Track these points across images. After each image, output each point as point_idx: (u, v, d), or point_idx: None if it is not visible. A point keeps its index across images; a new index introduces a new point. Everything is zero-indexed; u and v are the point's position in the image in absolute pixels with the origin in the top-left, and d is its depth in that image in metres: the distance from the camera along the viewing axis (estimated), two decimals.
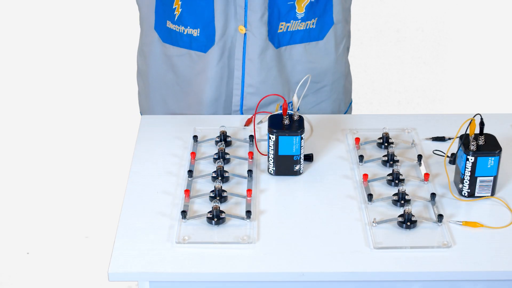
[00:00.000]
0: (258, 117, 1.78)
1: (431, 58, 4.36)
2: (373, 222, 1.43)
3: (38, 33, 4.61)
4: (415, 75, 4.19)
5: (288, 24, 1.76)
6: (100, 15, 4.79)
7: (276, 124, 1.55)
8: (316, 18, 1.78)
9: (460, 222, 1.44)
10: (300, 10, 1.75)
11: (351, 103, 2.01)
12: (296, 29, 1.77)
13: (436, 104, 3.89)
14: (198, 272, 1.34)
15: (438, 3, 5.01)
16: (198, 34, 1.76)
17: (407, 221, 1.43)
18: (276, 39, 1.77)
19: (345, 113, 1.97)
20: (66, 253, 2.84)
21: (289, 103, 1.81)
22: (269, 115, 1.59)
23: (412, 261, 1.36)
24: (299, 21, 1.76)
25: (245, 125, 1.77)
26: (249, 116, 1.79)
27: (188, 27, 1.76)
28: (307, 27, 1.78)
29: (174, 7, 1.76)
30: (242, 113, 1.82)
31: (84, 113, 3.77)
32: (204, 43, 1.77)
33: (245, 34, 1.74)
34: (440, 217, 1.44)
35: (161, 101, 1.89)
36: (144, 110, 1.96)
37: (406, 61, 4.34)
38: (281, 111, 1.56)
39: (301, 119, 1.56)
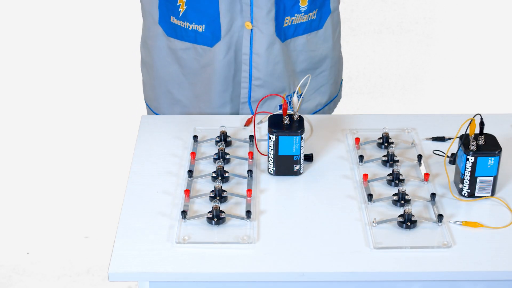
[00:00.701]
0: (258, 117, 1.78)
1: (431, 58, 4.36)
2: (373, 222, 1.43)
3: (37, 31, 4.61)
4: (415, 75, 4.18)
5: (292, 18, 1.78)
6: (100, 11, 4.79)
7: (276, 124, 1.55)
8: (316, 9, 1.82)
9: (460, 222, 1.44)
10: (304, 4, 1.78)
11: (341, 82, 2.06)
12: (299, 22, 1.80)
13: (436, 104, 3.89)
14: (198, 272, 1.34)
15: (438, 2, 5.01)
16: (204, 30, 1.77)
17: (407, 221, 1.43)
18: (283, 33, 1.79)
19: (338, 92, 2.02)
20: (66, 253, 2.84)
21: (294, 92, 1.83)
22: (269, 115, 1.59)
23: (412, 261, 1.36)
24: (302, 14, 1.79)
25: (245, 125, 1.77)
26: (249, 116, 1.79)
27: (193, 23, 1.77)
28: (309, 19, 1.81)
29: (178, 4, 1.77)
30: (250, 105, 1.84)
31: (84, 114, 3.77)
32: (210, 38, 1.78)
33: (251, 30, 1.75)
34: (440, 217, 1.44)
35: (167, 92, 1.90)
36: (150, 99, 1.97)
37: (406, 60, 4.34)
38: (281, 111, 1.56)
39: (301, 119, 1.56)
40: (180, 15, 1.78)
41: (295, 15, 1.78)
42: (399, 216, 1.44)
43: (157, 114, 1.94)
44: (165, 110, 1.92)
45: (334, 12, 1.88)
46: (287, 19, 1.78)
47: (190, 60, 1.83)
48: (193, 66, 1.83)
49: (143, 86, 2.01)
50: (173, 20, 1.80)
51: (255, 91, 1.82)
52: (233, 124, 1.77)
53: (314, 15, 1.82)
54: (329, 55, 1.91)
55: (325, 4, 1.83)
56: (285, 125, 1.55)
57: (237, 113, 1.86)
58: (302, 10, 1.79)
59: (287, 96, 1.85)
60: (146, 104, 2.00)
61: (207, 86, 1.83)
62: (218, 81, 1.81)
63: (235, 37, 1.77)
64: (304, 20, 1.81)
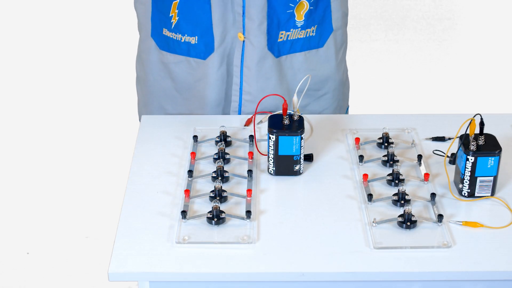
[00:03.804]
0: (258, 117, 1.78)
1: (431, 58, 4.36)
2: (373, 222, 1.43)
3: (40, 36, 4.61)
4: (415, 75, 4.19)
5: (288, 33, 1.74)
6: (102, 20, 4.80)
7: (276, 124, 1.55)
8: (315, 26, 1.77)
9: (460, 222, 1.44)
10: (300, 18, 1.74)
11: (347, 108, 2.01)
12: (296, 37, 1.76)
13: (436, 104, 3.89)
14: (198, 272, 1.34)
15: (438, 3, 5.01)
16: (196, 42, 1.74)
17: (407, 221, 1.43)
18: (276, 48, 1.75)
19: None
20: (66, 253, 2.84)
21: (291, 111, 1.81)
22: (269, 115, 1.59)
23: (412, 261, 1.36)
24: (299, 29, 1.75)
25: (245, 125, 1.77)
26: (249, 116, 1.79)
27: (186, 35, 1.75)
28: (307, 35, 1.77)
29: (170, 15, 1.74)
30: None
31: (84, 114, 3.77)
32: (203, 50, 1.75)
33: (243, 41, 1.73)
34: (440, 217, 1.44)
35: (160, 107, 1.87)
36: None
37: (406, 60, 4.34)
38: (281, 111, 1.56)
39: (301, 119, 1.56)
40: (173, 26, 1.75)
41: (291, 30, 1.74)
42: (399, 216, 1.44)
43: None
44: None
45: (338, 31, 1.81)
46: (282, 34, 1.74)
47: (182, 74, 1.80)
48: (186, 80, 1.80)
49: (138, 104, 1.97)
50: (165, 32, 1.77)
51: (245, 105, 1.79)
52: (233, 124, 1.77)
53: (313, 32, 1.77)
54: (332, 76, 1.84)
55: (325, 21, 1.78)
56: (285, 125, 1.55)
57: None
58: (299, 25, 1.74)
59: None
60: None
61: (201, 101, 1.80)
62: (211, 97, 1.78)
63: (228, 49, 1.74)
64: (302, 36, 1.76)
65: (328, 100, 1.87)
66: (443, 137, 1.71)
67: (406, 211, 1.43)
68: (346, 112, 2.00)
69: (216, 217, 1.44)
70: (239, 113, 1.80)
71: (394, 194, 1.50)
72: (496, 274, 1.35)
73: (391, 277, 1.35)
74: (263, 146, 1.67)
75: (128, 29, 3.74)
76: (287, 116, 1.55)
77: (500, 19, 4.84)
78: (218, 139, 1.68)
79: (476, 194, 1.51)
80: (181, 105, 1.84)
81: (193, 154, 1.63)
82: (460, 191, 1.52)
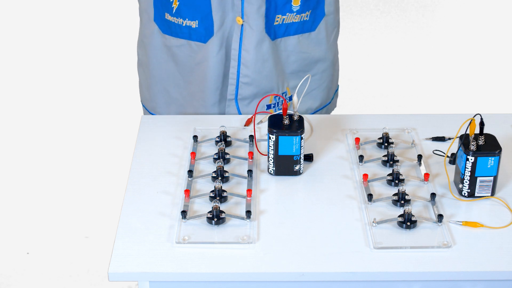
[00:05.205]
0: (258, 117, 1.78)
1: (431, 58, 4.36)
2: (373, 222, 1.43)
3: (38, 31, 4.61)
4: (416, 74, 4.19)
5: (284, 17, 1.78)
6: (99, 11, 4.79)
7: (276, 124, 1.55)
8: (310, 11, 1.82)
9: (460, 222, 1.44)
10: (296, 3, 1.78)
11: (337, 89, 2.05)
12: (291, 21, 1.80)
13: (436, 104, 3.89)
14: (198, 272, 1.34)
15: (439, 2, 5.01)
16: (197, 26, 1.77)
17: (407, 221, 1.43)
18: (273, 31, 1.79)
19: (332, 99, 2.01)
20: (66, 253, 2.84)
21: (283, 93, 1.83)
22: (269, 115, 1.59)
23: (412, 261, 1.36)
24: (294, 13, 1.79)
25: (245, 125, 1.77)
26: (249, 116, 1.79)
27: (187, 19, 1.78)
28: (301, 20, 1.81)
29: (171, 0, 1.77)
30: (237, 102, 1.83)
31: (84, 114, 3.77)
32: (203, 34, 1.78)
33: (242, 25, 1.75)
34: (440, 217, 1.44)
35: (163, 90, 1.91)
36: (146, 99, 1.98)
37: (406, 60, 4.34)
38: (281, 111, 1.56)
39: (301, 119, 1.56)
40: (174, 11, 1.79)
41: (287, 14, 1.78)
42: (399, 216, 1.44)
43: (153, 115, 1.95)
44: (161, 110, 1.93)
45: (329, 15, 1.87)
46: (278, 18, 1.78)
47: (185, 57, 1.83)
48: (188, 63, 1.84)
49: (139, 87, 2.01)
50: (168, 16, 1.81)
51: (242, 88, 1.82)
52: (233, 124, 1.77)
53: (307, 16, 1.81)
54: (322, 58, 1.90)
55: (319, 6, 1.83)
56: (285, 125, 1.55)
57: (224, 111, 1.86)
58: (294, 10, 1.78)
59: (275, 97, 1.85)
60: (143, 105, 2.01)
61: (202, 84, 1.83)
62: (212, 79, 1.82)
63: (227, 32, 1.78)
64: (296, 20, 1.80)
65: (316, 81, 1.92)
66: (443, 137, 1.71)
67: (406, 211, 1.43)
68: (336, 93, 2.03)
69: (216, 217, 1.44)
70: (236, 96, 1.82)
71: (394, 194, 1.50)
72: (496, 274, 1.35)
73: (391, 277, 1.35)
74: (263, 146, 1.67)
75: (125, 23, 3.75)
76: (287, 116, 1.55)
77: (500, 19, 4.84)
78: (218, 139, 1.68)
79: (476, 194, 1.51)
80: (183, 88, 1.87)
81: (193, 154, 1.63)
82: (460, 191, 1.52)
